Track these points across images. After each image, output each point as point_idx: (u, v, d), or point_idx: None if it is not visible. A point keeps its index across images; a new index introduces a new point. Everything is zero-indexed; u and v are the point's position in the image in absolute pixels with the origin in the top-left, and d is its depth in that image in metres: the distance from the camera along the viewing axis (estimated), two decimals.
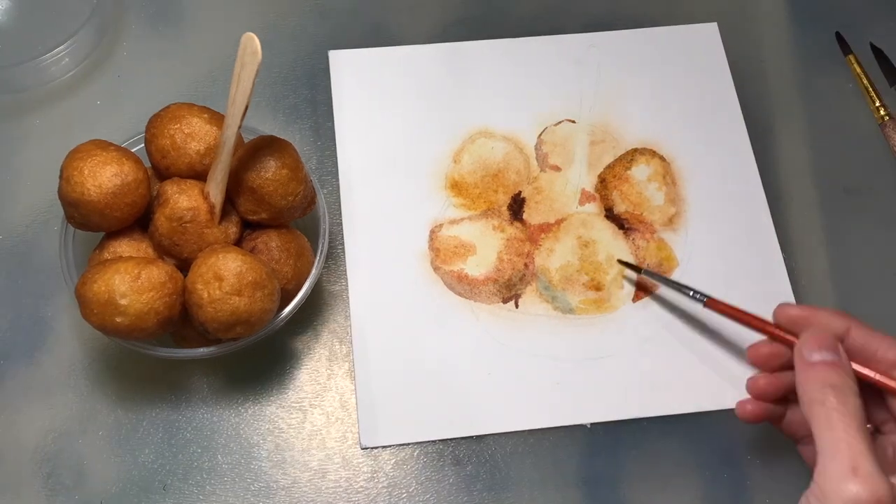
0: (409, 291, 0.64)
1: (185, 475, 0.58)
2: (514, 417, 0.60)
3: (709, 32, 0.74)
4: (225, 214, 0.57)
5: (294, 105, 0.70)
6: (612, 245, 0.66)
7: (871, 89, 0.72)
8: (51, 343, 0.61)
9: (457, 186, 0.67)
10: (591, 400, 0.61)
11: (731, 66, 0.72)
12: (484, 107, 0.70)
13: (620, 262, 0.65)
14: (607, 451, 0.60)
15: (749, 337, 0.63)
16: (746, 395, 0.56)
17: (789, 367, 0.54)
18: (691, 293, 0.60)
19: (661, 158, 0.69)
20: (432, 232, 0.66)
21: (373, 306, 0.63)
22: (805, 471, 0.60)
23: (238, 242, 0.58)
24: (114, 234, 0.57)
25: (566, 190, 0.68)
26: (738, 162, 0.69)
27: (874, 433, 0.54)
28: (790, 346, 0.54)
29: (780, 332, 0.55)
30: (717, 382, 0.62)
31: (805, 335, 0.52)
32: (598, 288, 0.64)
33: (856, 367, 0.52)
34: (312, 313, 0.63)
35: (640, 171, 0.69)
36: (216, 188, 0.56)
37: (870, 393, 0.53)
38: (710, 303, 0.59)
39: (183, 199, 0.55)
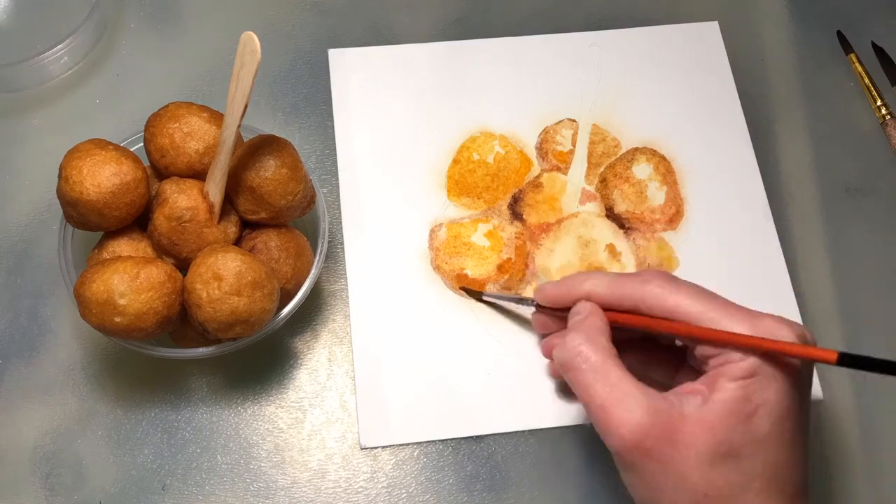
0: (408, 291, 0.63)
1: (185, 475, 0.58)
2: (514, 417, 0.60)
3: (710, 31, 0.74)
4: (224, 214, 0.57)
5: (293, 104, 0.70)
6: (612, 244, 0.66)
7: (872, 88, 0.72)
8: (49, 343, 0.61)
9: (457, 185, 0.67)
10: None
11: (732, 65, 0.72)
12: (484, 106, 0.70)
13: (463, 289, 0.63)
14: (607, 451, 0.60)
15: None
16: None
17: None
18: (528, 303, 0.59)
19: (662, 157, 0.69)
20: (432, 231, 0.66)
21: (372, 306, 0.63)
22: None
23: (237, 242, 0.58)
24: (113, 233, 0.57)
25: (566, 189, 0.68)
26: (738, 161, 0.69)
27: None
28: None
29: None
30: None
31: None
32: None
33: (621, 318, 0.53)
34: (312, 313, 0.63)
35: (641, 170, 0.68)
36: (215, 187, 0.56)
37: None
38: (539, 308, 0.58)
39: (182, 199, 0.55)
